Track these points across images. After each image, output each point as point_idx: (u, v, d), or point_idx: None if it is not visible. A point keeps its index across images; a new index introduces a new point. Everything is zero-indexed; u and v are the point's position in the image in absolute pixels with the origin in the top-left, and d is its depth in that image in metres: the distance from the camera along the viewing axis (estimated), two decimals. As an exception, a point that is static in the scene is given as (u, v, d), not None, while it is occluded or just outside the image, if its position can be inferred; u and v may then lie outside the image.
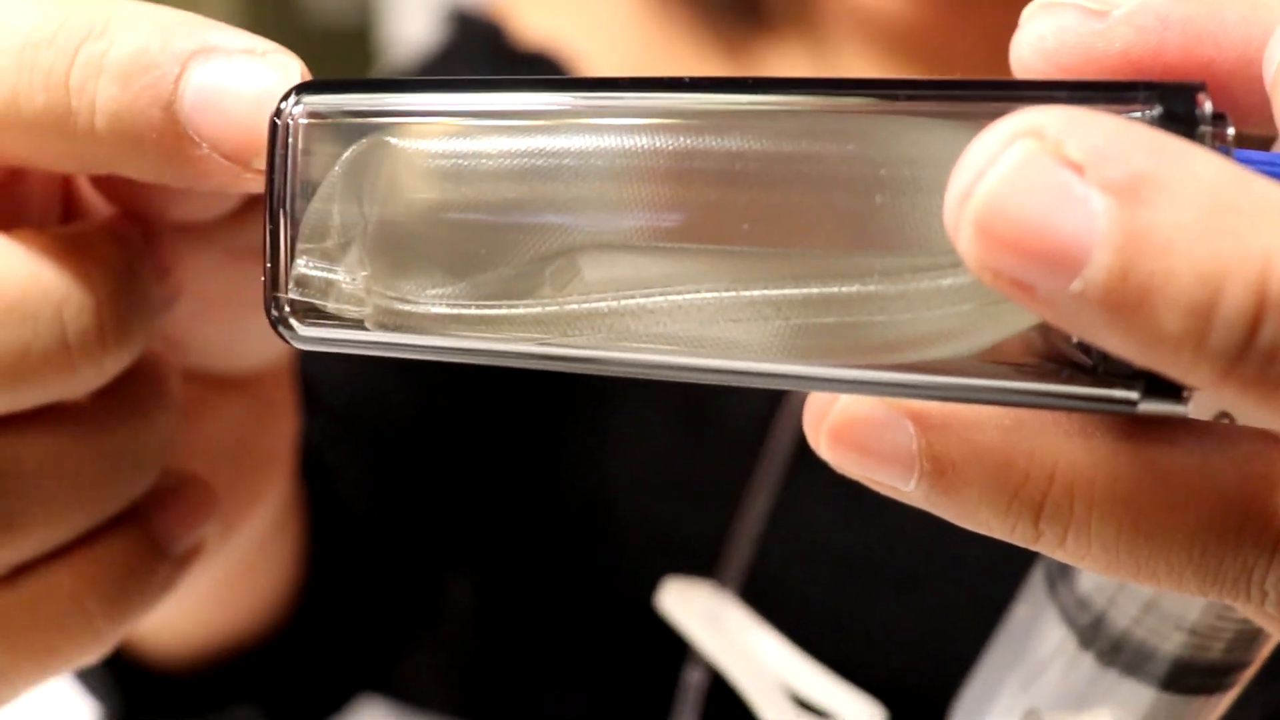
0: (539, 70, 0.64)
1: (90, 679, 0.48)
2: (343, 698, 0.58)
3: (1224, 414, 0.23)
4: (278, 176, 0.23)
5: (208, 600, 0.47)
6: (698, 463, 0.60)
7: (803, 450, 0.50)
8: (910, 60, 0.60)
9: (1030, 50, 0.22)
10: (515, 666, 0.67)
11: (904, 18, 0.58)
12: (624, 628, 0.49)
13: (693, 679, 0.46)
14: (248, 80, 0.24)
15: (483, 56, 0.66)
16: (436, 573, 0.65)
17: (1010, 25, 0.22)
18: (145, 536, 0.28)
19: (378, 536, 0.58)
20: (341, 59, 2.10)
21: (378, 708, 0.68)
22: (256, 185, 0.24)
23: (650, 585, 0.48)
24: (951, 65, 0.59)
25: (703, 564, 0.55)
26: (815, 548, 0.57)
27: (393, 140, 0.23)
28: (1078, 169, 0.17)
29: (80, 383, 0.26)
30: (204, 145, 0.24)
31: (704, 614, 0.39)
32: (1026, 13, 0.22)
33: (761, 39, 0.63)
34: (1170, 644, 0.27)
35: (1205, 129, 0.19)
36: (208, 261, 0.30)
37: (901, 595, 0.57)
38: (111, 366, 0.26)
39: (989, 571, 0.30)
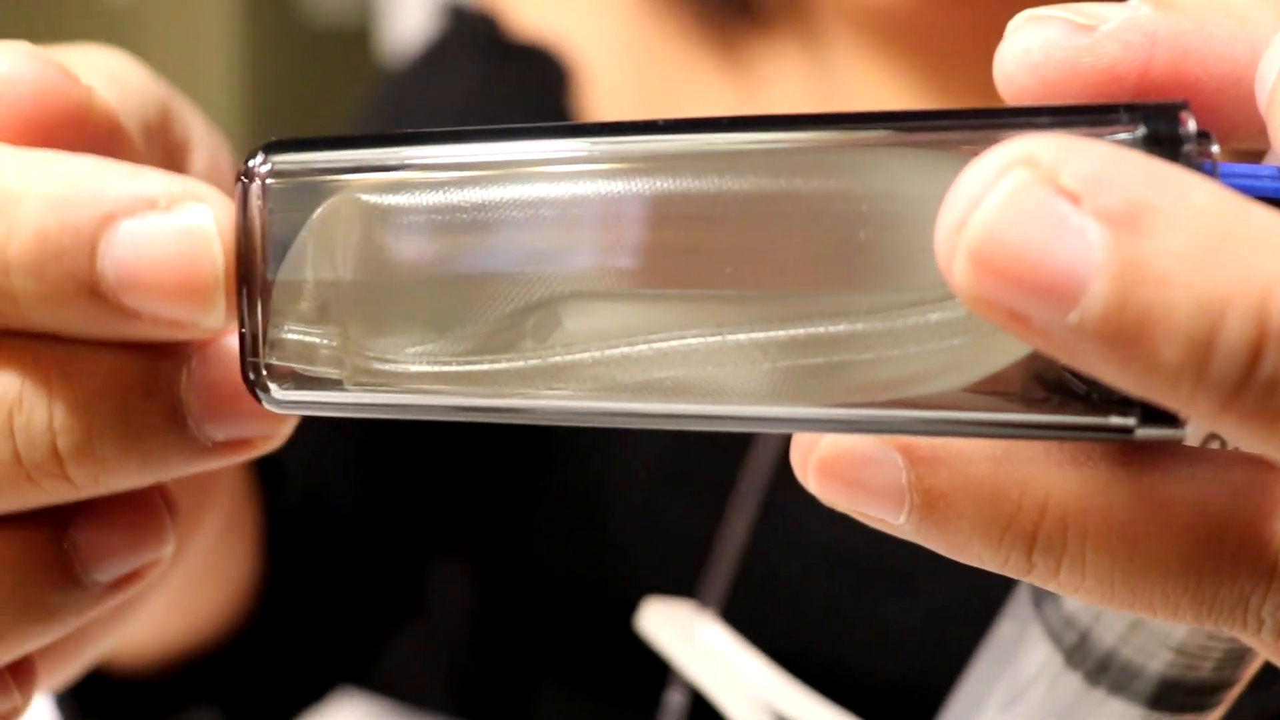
0: (534, 62, 0.64)
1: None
2: (314, 692, 0.57)
3: (1213, 436, 0.22)
4: (248, 238, 0.22)
5: (166, 610, 0.46)
6: (690, 457, 0.59)
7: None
8: (904, 55, 0.60)
9: (1015, 63, 0.21)
10: (511, 665, 0.67)
11: (899, 14, 0.58)
12: (616, 628, 0.49)
13: (673, 701, 0.46)
14: (166, 235, 0.22)
15: (478, 49, 0.66)
16: (420, 564, 0.64)
17: (1007, 21, 0.22)
18: (52, 553, 0.25)
19: (359, 529, 0.58)
20: (341, 59, 2.09)
21: (369, 705, 0.68)
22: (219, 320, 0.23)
23: (642, 582, 0.47)
24: (947, 62, 0.59)
25: (695, 560, 0.54)
26: (809, 544, 0.57)
27: (364, 197, 0.22)
28: (1073, 198, 0.17)
29: (49, 497, 0.24)
30: (146, 310, 0.23)
31: (684, 635, 0.38)
32: (1012, 24, 0.21)
33: (756, 35, 0.63)
34: (1158, 662, 0.27)
35: (1190, 148, 0.18)
36: None
37: (897, 592, 0.57)
38: (87, 485, 0.24)
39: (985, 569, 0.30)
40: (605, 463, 0.61)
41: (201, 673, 0.49)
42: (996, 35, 0.22)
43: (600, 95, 0.63)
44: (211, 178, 0.30)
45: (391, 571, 0.62)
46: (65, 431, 0.23)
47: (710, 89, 0.63)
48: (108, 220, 0.22)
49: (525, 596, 0.65)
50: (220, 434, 0.25)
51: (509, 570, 0.66)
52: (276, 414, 0.24)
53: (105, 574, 0.25)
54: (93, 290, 0.22)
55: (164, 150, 0.29)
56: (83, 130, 0.25)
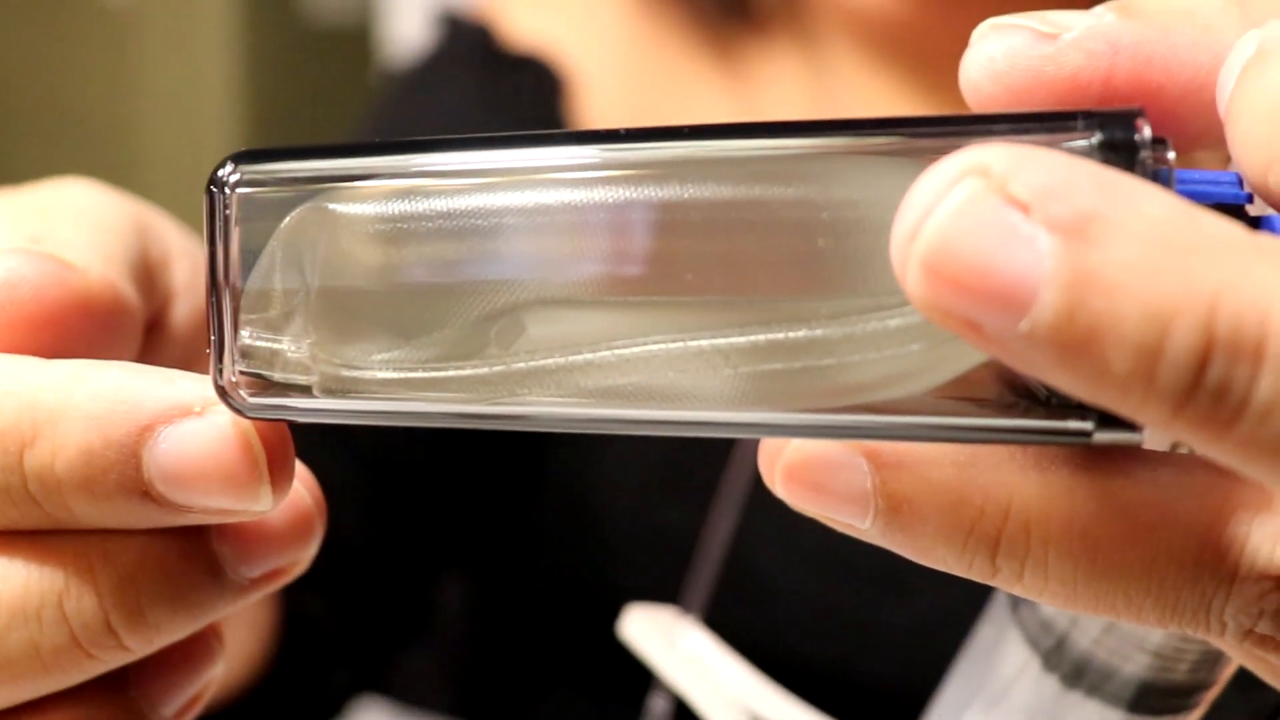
0: (529, 72, 0.64)
1: None
2: (334, 710, 0.58)
3: (1179, 442, 0.22)
4: (218, 247, 0.23)
5: None
6: (681, 459, 0.60)
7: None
8: (900, 59, 0.60)
9: (979, 71, 0.21)
10: (508, 667, 0.67)
11: (894, 17, 0.58)
12: (612, 630, 0.49)
13: (657, 707, 0.46)
14: (206, 439, 0.23)
15: (473, 59, 0.66)
16: (425, 578, 0.65)
17: None
18: (122, 706, 0.26)
19: (365, 554, 0.58)
20: (341, 59, 2.09)
21: (375, 707, 0.68)
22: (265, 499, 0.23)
23: (636, 584, 0.47)
24: (942, 64, 0.59)
25: (687, 561, 0.55)
26: (796, 544, 0.57)
27: (331, 206, 0.22)
28: (1024, 208, 0.17)
29: (110, 665, 0.25)
30: (197, 504, 0.23)
31: (666, 641, 0.39)
32: (977, 33, 0.22)
33: (752, 38, 0.63)
34: (1133, 665, 0.27)
35: (1145, 154, 0.18)
36: None
37: (885, 592, 0.57)
38: (144, 648, 0.25)
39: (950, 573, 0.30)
40: (596, 467, 0.61)
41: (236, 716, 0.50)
42: None
43: (596, 102, 0.64)
44: (194, 285, 0.30)
45: (399, 589, 0.63)
46: (116, 608, 0.24)
47: (706, 93, 0.63)
48: (148, 431, 0.23)
49: (523, 602, 0.66)
50: (255, 572, 0.26)
51: (506, 576, 0.66)
52: (303, 537, 0.26)
53: (171, 708, 0.27)
54: (145, 494, 0.23)
55: (145, 270, 0.29)
56: (89, 313, 0.26)
